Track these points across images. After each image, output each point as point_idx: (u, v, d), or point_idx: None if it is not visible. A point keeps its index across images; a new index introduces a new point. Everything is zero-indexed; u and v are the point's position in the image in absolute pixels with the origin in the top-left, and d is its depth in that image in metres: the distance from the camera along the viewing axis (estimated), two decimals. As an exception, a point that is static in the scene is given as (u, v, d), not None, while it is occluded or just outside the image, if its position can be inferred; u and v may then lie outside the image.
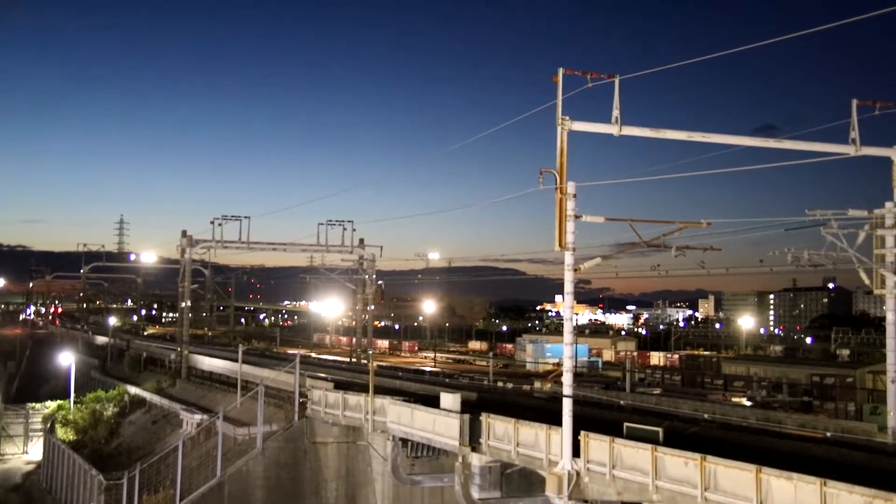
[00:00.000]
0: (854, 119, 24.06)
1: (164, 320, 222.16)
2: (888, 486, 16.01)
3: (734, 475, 18.44)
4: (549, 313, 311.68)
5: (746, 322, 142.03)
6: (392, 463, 31.72)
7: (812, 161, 24.90)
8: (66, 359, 63.80)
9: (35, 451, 59.73)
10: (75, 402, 58.55)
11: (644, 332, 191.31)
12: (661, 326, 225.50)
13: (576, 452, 22.24)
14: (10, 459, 60.08)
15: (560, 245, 22.30)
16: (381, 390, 34.78)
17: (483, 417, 26.60)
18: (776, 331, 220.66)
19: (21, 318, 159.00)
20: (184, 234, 62.04)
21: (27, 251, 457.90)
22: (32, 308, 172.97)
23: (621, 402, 39.21)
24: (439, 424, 28.26)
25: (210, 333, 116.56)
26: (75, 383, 60.74)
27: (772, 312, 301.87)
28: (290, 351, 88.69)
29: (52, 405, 61.75)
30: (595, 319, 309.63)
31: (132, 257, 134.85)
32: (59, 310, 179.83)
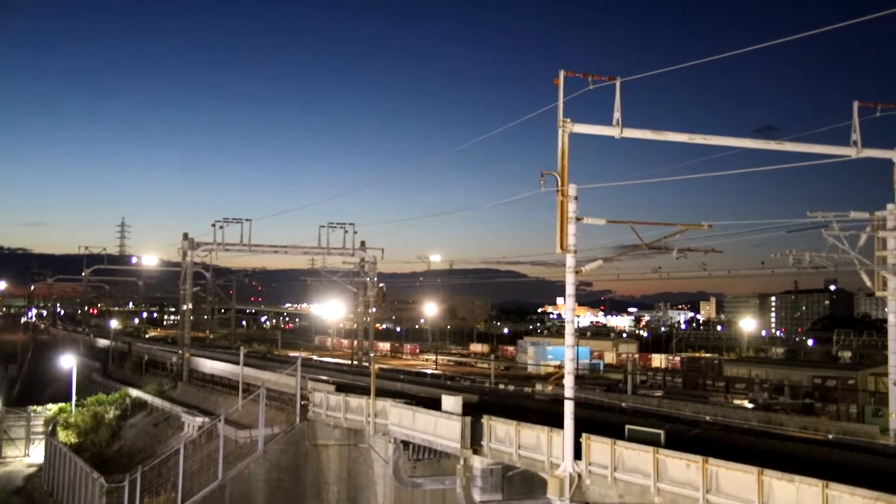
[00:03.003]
0: (855, 121, 24.03)
1: (165, 323, 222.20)
2: (890, 488, 15.98)
3: (736, 477, 18.42)
4: (551, 315, 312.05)
5: (748, 324, 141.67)
6: (393, 465, 31.69)
7: (814, 163, 24.88)
8: (68, 362, 63.77)
9: (36, 454, 59.67)
10: (77, 405, 58.50)
11: (645, 334, 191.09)
12: (663, 329, 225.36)
13: (577, 455, 22.23)
14: (12, 462, 60.03)
15: (561, 247, 22.28)
16: (382, 393, 34.76)
17: (484, 420, 26.57)
18: (778, 333, 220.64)
19: (22, 321, 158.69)
20: (185, 236, 62.11)
21: (28, 254, 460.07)
22: (34, 311, 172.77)
23: (623, 404, 39.15)
24: (441, 427, 28.23)
25: (211, 336, 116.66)
26: (77, 386, 60.70)
27: (773, 314, 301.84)
28: (292, 353, 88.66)
29: (53, 408, 61.66)
30: (596, 322, 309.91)
31: (134, 260, 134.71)
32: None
